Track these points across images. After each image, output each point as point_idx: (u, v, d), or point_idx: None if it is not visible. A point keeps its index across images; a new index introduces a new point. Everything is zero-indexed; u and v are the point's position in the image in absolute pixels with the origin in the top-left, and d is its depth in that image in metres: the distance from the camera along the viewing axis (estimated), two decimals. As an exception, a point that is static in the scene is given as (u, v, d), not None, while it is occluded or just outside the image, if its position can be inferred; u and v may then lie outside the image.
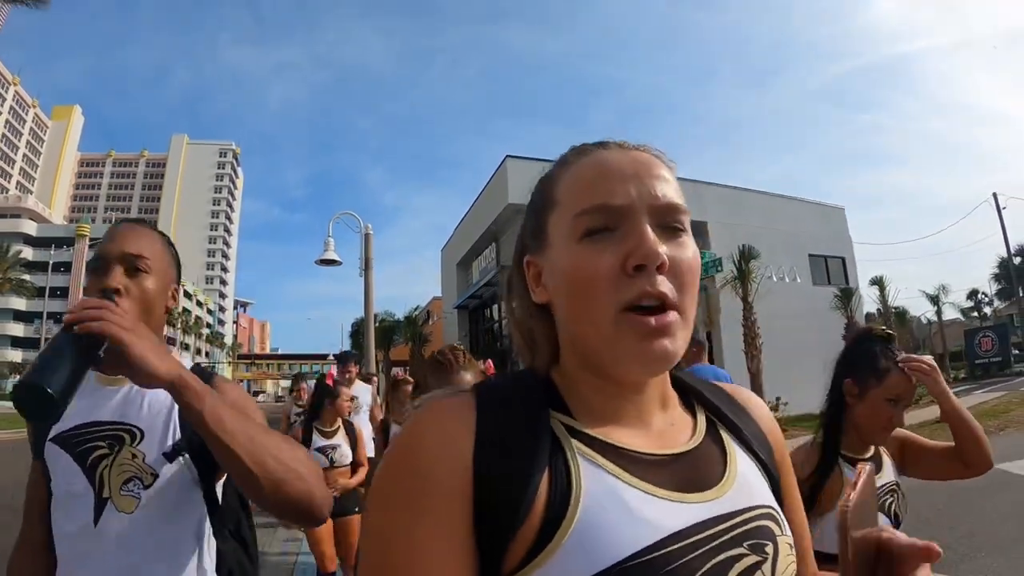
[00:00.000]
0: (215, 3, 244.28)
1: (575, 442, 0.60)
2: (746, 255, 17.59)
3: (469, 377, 1.97)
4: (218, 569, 1.25)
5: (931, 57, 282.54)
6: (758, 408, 0.76)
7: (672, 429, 0.66)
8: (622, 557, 0.52)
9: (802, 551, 0.71)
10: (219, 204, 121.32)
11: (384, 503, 0.58)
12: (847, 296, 22.00)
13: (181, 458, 1.19)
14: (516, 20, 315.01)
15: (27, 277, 44.25)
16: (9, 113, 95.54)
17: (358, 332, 33.98)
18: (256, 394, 62.89)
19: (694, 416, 0.70)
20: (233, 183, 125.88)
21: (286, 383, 78.90)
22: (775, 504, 0.64)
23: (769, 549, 0.59)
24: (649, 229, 0.60)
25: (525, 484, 0.55)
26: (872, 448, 1.72)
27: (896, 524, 1.64)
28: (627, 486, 0.57)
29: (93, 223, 76.18)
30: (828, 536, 1.30)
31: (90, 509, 1.14)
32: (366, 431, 5.11)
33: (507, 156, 19.39)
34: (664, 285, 0.59)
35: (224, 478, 1.27)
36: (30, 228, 68.53)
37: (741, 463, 0.65)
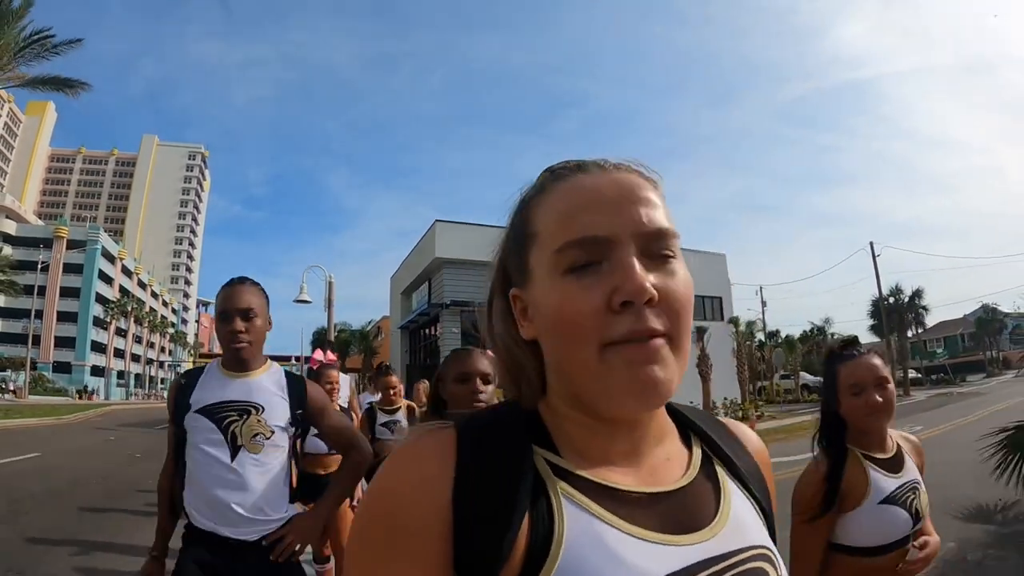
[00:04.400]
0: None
1: (559, 482, 0.56)
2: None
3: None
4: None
5: (891, 82, 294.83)
6: (753, 442, 0.73)
7: (666, 464, 0.62)
8: None
9: None
10: (186, 206, 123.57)
11: (360, 546, 0.56)
12: (700, 333, 29.10)
13: (292, 427, 2.04)
14: (483, 30, 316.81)
15: (16, 278, 47.40)
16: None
17: (318, 340, 39.46)
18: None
19: (690, 450, 0.66)
20: (200, 185, 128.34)
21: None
22: (770, 544, 0.61)
23: None
24: (636, 261, 0.55)
25: (505, 527, 0.52)
26: (893, 447, 1.73)
27: (916, 520, 1.67)
28: (612, 529, 0.54)
29: (63, 221, 76.94)
30: (851, 532, 1.61)
31: (227, 452, 1.88)
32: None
33: (436, 220, 25.57)
34: (654, 320, 0.54)
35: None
36: (9, 227, 68.69)
37: (735, 500, 0.62)
